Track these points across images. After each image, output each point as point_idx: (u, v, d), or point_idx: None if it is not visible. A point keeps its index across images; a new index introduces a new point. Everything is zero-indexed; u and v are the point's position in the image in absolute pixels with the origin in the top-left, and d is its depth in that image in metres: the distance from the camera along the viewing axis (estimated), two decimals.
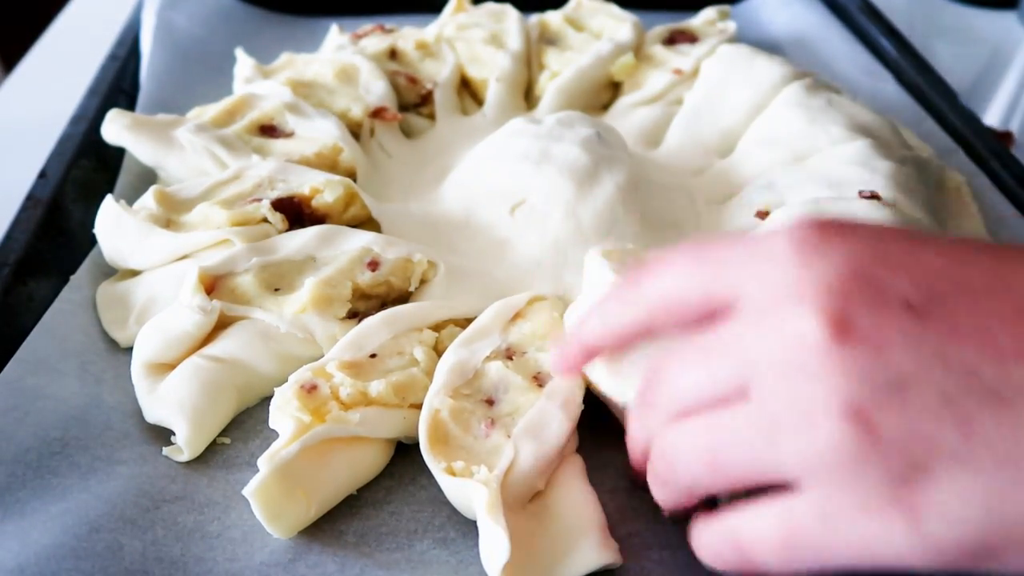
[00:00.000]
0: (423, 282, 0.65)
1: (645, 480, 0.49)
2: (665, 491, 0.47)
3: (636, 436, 0.49)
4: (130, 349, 0.63)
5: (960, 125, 0.87)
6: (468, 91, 0.93)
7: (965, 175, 0.80)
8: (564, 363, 0.55)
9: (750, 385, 0.40)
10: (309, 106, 0.80)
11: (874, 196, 0.69)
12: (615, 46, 0.92)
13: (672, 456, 0.44)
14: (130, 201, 0.70)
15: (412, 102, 0.89)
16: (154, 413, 0.58)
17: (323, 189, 0.69)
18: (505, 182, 0.72)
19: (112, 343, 0.64)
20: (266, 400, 0.61)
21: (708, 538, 0.44)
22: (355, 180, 0.75)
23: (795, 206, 0.69)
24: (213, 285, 0.62)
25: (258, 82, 0.86)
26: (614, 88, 0.94)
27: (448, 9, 1.01)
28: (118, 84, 0.91)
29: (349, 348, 0.58)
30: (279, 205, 0.68)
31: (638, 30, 0.96)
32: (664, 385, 0.45)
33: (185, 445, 0.56)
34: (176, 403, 0.57)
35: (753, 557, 0.41)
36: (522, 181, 0.71)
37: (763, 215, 0.70)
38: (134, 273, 0.68)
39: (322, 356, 0.60)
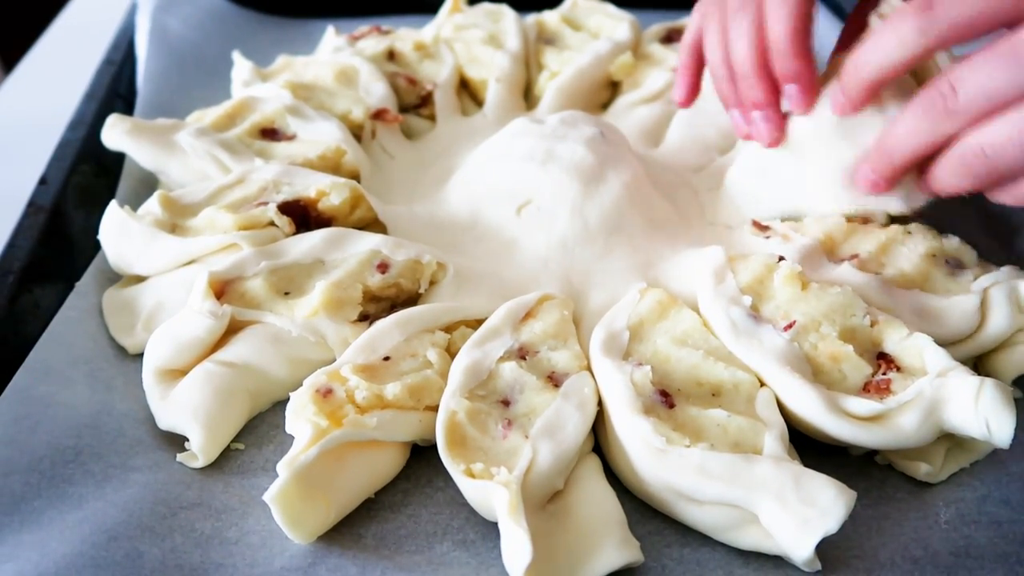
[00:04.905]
0: (432, 283, 0.65)
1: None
2: (969, 181, 0.55)
3: (921, 140, 0.56)
4: (138, 355, 0.62)
5: None
6: (467, 92, 0.93)
7: None
8: (882, 183, 0.61)
9: None
10: (310, 109, 0.80)
11: None
12: (614, 45, 0.93)
13: (992, 147, 0.52)
14: (132, 206, 0.69)
15: (412, 103, 0.89)
16: (167, 419, 0.58)
17: (329, 192, 0.68)
18: (510, 182, 0.72)
19: (120, 349, 0.64)
20: (278, 405, 0.61)
21: (952, 160, 0.55)
22: (358, 182, 0.75)
23: None
24: (222, 290, 0.62)
25: (257, 85, 0.86)
26: (613, 87, 0.94)
27: (444, 10, 1.01)
28: (115, 88, 0.91)
29: (362, 351, 0.58)
30: (285, 208, 0.68)
31: (635, 29, 0.96)
32: (966, 91, 0.52)
33: (199, 451, 0.56)
34: (189, 409, 0.57)
35: (997, 161, 0.52)
36: (528, 181, 0.71)
37: (760, 227, 0.70)
38: (139, 279, 0.68)
39: (333, 359, 0.60)
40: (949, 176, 0.56)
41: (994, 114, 0.52)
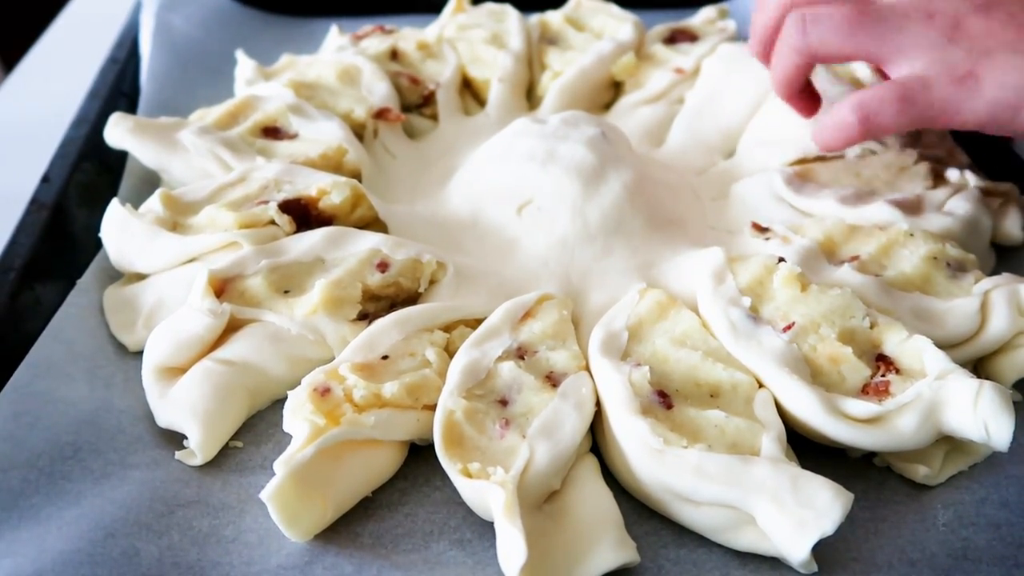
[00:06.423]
0: (432, 283, 0.65)
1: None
2: (790, 57, 0.65)
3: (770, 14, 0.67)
4: (138, 353, 0.63)
5: None
6: (470, 91, 0.93)
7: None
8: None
9: None
10: (312, 108, 0.80)
11: None
12: (616, 45, 0.92)
13: (815, 22, 0.63)
14: (134, 204, 0.70)
15: (414, 103, 0.89)
16: (166, 417, 0.58)
17: (330, 191, 0.68)
18: (511, 182, 0.72)
19: (120, 347, 0.64)
20: (277, 403, 0.61)
21: (836, 114, 0.63)
22: (360, 181, 0.75)
23: None
24: (222, 288, 0.62)
25: (260, 84, 0.86)
26: (615, 87, 0.94)
27: (448, 9, 1.01)
28: (118, 87, 0.91)
29: (361, 350, 0.58)
30: (286, 207, 0.68)
31: (639, 29, 0.96)
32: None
33: (198, 449, 0.56)
34: (188, 407, 0.57)
35: (876, 119, 0.61)
36: (528, 181, 0.71)
37: (759, 228, 0.70)
38: (140, 277, 0.68)
39: (333, 358, 0.60)
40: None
41: None
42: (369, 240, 0.65)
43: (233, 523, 0.53)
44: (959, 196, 0.71)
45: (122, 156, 0.79)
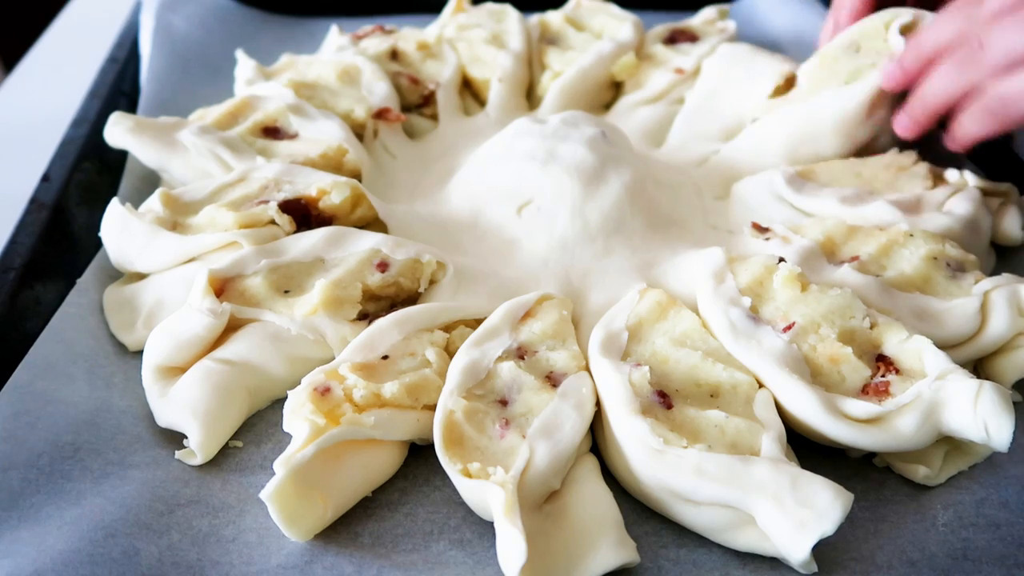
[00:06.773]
0: (432, 283, 0.65)
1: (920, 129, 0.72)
2: (989, 126, 0.66)
3: (951, 88, 0.68)
4: (138, 352, 0.63)
5: None
6: (470, 91, 0.93)
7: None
8: (913, 126, 0.72)
9: None
10: (312, 107, 0.80)
11: None
12: (616, 45, 0.93)
13: (1011, 96, 0.63)
14: (134, 204, 0.70)
15: (414, 103, 0.89)
16: (166, 417, 0.58)
17: (330, 190, 0.69)
18: (511, 182, 0.72)
19: (120, 346, 0.64)
20: (277, 403, 0.61)
21: (975, 109, 0.65)
22: (360, 181, 0.75)
23: None
24: (222, 288, 0.62)
25: (260, 84, 0.86)
26: (615, 88, 0.94)
27: (448, 9, 1.01)
28: (118, 86, 0.91)
29: (361, 350, 0.58)
30: (286, 207, 0.68)
31: (639, 29, 0.96)
32: (992, 48, 0.64)
33: (198, 449, 0.56)
34: (188, 406, 0.57)
35: (1013, 108, 0.63)
36: (529, 181, 0.71)
37: (760, 228, 0.70)
38: (140, 276, 0.68)
39: (332, 358, 0.60)
40: (972, 124, 0.67)
41: (1014, 68, 0.63)
42: (369, 240, 0.65)
43: (233, 523, 0.53)
44: (959, 196, 0.71)
45: (122, 156, 0.79)
